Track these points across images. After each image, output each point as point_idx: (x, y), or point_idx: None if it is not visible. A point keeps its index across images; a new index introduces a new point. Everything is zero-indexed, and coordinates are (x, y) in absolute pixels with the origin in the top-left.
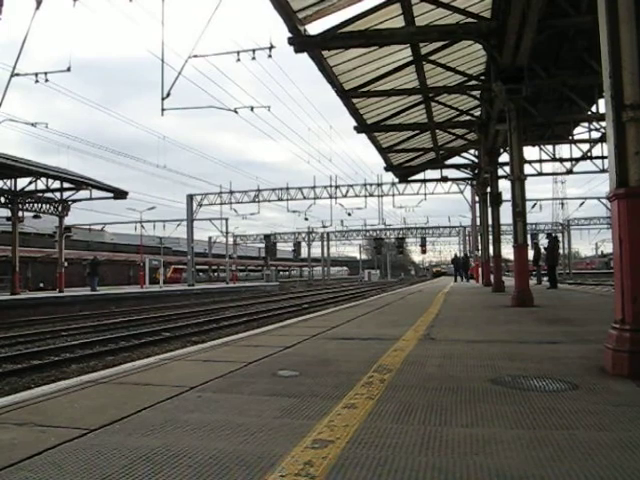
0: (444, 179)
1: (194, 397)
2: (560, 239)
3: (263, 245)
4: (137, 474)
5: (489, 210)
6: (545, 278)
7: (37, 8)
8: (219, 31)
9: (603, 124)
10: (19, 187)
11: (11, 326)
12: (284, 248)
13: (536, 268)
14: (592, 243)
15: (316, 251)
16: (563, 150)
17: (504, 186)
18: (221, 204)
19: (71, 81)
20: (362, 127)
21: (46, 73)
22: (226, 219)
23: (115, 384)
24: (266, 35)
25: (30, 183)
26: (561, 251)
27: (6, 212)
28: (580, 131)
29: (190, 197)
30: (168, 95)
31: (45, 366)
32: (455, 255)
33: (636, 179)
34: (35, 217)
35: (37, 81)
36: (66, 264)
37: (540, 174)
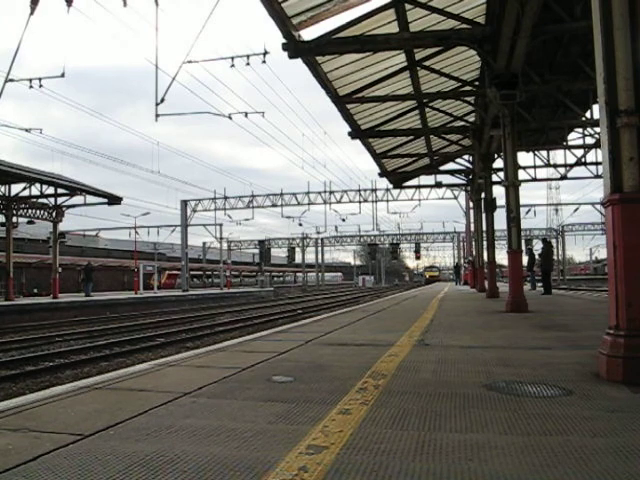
0: (438, 185)
1: (189, 403)
2: (554, 245)
3: (257, 251)
4: None
5: (483, 216)
6: (539, 284)
7: (31, 13)
8: (214, 38)
9: (597, 130)
10: (13, 193)
11: (5, 332)
12: (278, 254)
13: (530, 274)
14: (586, 249)
15: (310, 257)
16: (557, 156)
17: (498, 192)
18: (215, 210)
19: (65, 90)
20: (356, 133)
21: (40, 79)
22: (220, 225)
23: (109, 390)
24: (260, 41)
25: (24, 189)
26: (555, 257)
27: (0, 218)
28: (574, 137)
29: (184, 203)
30: (162, 101)
31: (39, 372)
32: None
33: (630, 185)
34: (29, 223)
35: (31, 86)
36: (60, 270)
37: (534, 180)
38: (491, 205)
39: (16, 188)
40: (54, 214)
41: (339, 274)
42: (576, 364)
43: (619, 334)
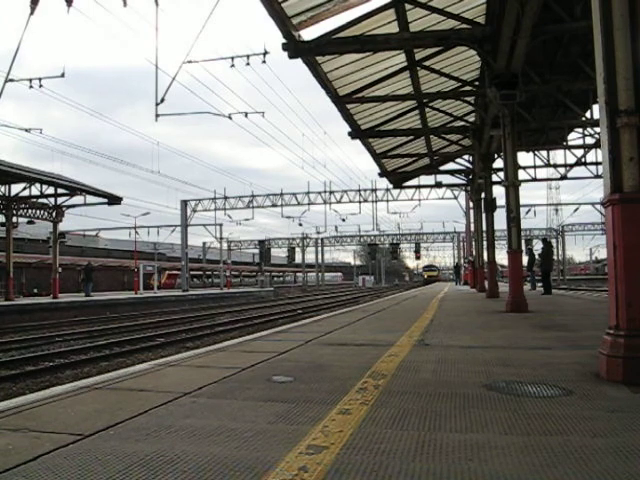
0: (438, 185)
1: (188, 403)
2: (554, 245)
3: (257, 251)
4: None
5: (483, 216)
6: (539, 284)
7: (31, 13)
8: (214, 38)
9: (597, 130)
10: (13, 193)
11: (5, 332)
12: (278, 254)
13: (530, 274)
14: (586, 249)
15: (310, 257)
16: (557, 156)
17: (498, 192)
18: (215, 210)
19: (65, 90)
20: (356, 133)
21: (40, 79)
22: (220, 225)
23: (109, 390)
24: (260, 41)
25: (24, 189)
26: (555, 257)
27: (0, 218)
28: (574, 137)
29: (184, 203)
30: (162, 101)
31: (39, 372)
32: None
33: (630, 185)
34: (29, 223)
35: (31, 87)
36: (60, 270)
37: (534, 180)
38: (491, 205)
39: (16, 188)
40: (54, 214)
41: (339, 274)
42: (576, 364)
43: (619, 334)
